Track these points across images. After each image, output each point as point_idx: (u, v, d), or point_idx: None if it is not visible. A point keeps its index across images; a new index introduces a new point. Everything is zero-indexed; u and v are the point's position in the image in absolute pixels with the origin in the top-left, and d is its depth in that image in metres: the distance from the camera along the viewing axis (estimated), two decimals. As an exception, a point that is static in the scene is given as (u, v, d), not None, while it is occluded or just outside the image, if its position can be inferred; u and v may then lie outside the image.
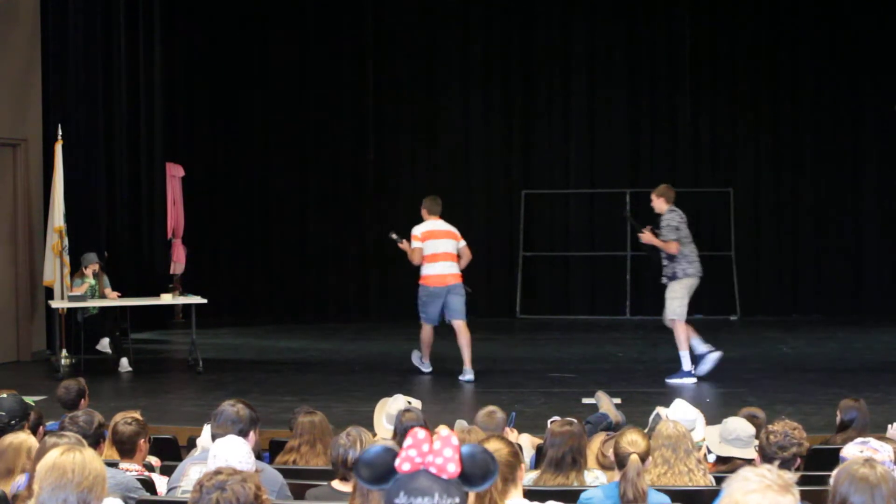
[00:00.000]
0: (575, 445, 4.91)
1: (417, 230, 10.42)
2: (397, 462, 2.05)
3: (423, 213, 10.55)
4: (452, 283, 10.42)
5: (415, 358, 10.82)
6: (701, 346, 10.08)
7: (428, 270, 10.38)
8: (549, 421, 5.34)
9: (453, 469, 2.03)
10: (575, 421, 5.15)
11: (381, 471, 2.05)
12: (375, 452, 2.07)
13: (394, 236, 10.78)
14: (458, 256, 10.49)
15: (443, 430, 5.22)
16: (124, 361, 11.07)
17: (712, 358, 10.03)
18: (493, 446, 3.81)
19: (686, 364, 9.98)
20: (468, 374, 10.22)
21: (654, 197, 10.32)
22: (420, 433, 2.05)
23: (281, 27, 15.81)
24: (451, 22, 15.86)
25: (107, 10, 12.85)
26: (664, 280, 10.21)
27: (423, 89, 15.90)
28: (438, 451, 2.04)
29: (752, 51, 15.43)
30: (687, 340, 10.02)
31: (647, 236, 10.14)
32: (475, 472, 2.06)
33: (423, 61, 15.86)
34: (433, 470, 2.03)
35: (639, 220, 10.79)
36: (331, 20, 15.78)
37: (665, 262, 10.15)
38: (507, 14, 15.79)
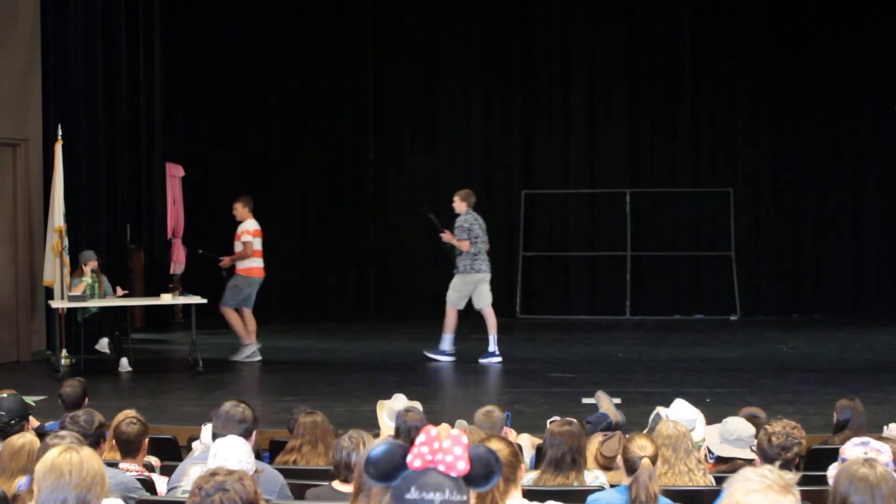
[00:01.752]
0: (574, 445, 4.91)
1: (251, 227, 11.51)
2: (409, 458, 2.06)
3: (244, 211, 11.56)
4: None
5: (242, 355, 11.51)
6: (449, 345, 11.44)
7: (254, 263, 11.59)
8: (548, 421, 5.33)
9: (463, 467, 2.04)
10: (574, 421, 5.15)
11: (390, 468, 2.06)
12: (383, 450, 2.07)
13: (200, 251, 12.27)
14: None
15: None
16: (124, 361, 11.06)
17: (443, 358, 11.41)
18: (494, 447, 3.81)
19: (447, 345, 11.43)
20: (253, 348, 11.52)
21: (456, 199, 11.48)
22: (433, 430, 2.07)
23: (281, 27, 15.81)
24: (452, 22, 15.86)
25: (107, 10, 12.84)
26: (455, 272, 11.42)
27: (423, 89, 15.90)
28: (448, 449, 2.05)
29: (752, 51, 15.44)
30: (453, 326, 11.40)
31: (446, 236, 11.32)
32: (479, 472, 2.07)
33: (423, 61, 15.86)
34: (442, 468, 2.04)
35: (440, 219, 11.61)
36: (331, 20, 15.78)
37: (458, 258, 11.35)
38: (507, 14, 15.80)
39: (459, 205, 11.40)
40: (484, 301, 11.39)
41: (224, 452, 4.19)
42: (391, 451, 2.07)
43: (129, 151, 13.60)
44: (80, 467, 3.34)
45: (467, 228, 11.22)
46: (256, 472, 4.33)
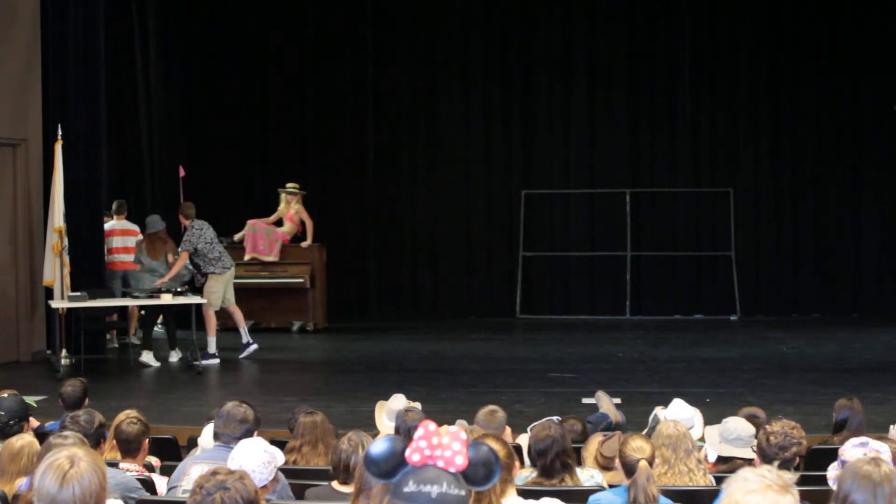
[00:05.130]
0: (560, 449, 4.83)
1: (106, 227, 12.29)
2: (407, 453, 2.07)
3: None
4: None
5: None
6: (214, 347, 11.56)
7: (112, 258, 12.35)
8: (528, 427, 5.26)
9: (461, 462, 2.05)
10: (554, 420, 5.09)
11: (390, 465, 2.07)
12: (384, 448, 2.08)
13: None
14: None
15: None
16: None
17: (214, 361, 11.48)
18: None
19: (212, 347, 11.53)
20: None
21: (181, 217, 11.98)
22: (431, 425, 2.07)
23: (281, 27, 15.81)
24: (451, 22, 15.86)
25: (107, 10, 12.84)
26: (202, 278, 11.80)
27: (423, 89, 15.90)
28: (447, 444, 2.05)
29: (752, 51, 15.43)
30: (214, 327, 11.63)
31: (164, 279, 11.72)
32: (479, 470, 2.07)
33: (423, 61, 15.86)
34: (441, 464, 2.04)
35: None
36: (331, 20, 15.78)
37: (200, 264, 11.71)
38: (507, 14, 15.79)
39: (184, 221, 11.87)
40: (230, 299, 11.80)
41: (240, 457, 4.19)
42: (392, 449, 2.08)
43: (129, 151, 13.61)
44: (80, 480, 3.22)
45: (197, 236, 11.55)
46: (275, 480, 4.33)
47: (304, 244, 13.84)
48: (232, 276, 11.84)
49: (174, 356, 11.67)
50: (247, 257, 13.71)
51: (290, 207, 13.91)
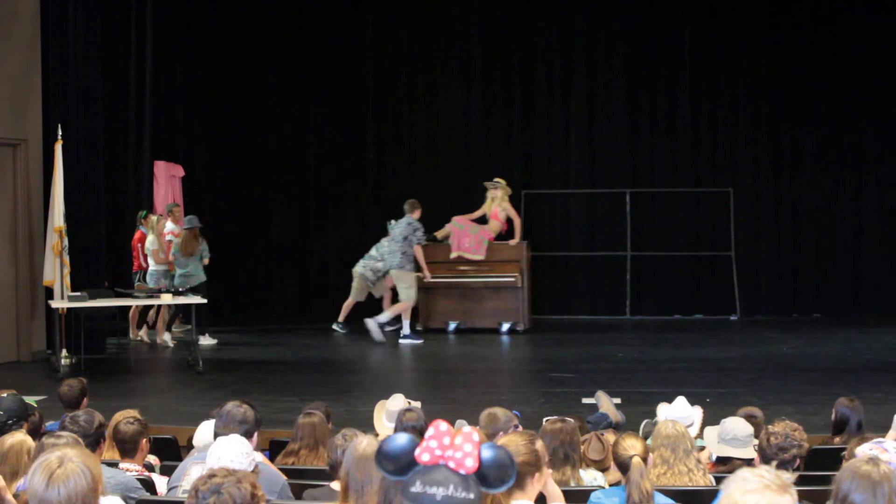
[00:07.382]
0: (566, 440, 4.87)
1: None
2: (417, 452, 2.04)
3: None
4: None
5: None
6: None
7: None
8: (544, 420, 5.32)
9: (471, 464, 2.02)
10: (568, 419, 5.12)
11: (403, 462, 2.04)
12: (400, 444, 2.05)
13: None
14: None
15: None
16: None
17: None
18: (513, 446, 3.79)
19: (404, 328, 12.80)
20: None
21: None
22: (442, 425, 2.05)
23: (281, 26, 15.81)
24: (451, 21, 15.87)
25: (107, 10, 12.85)
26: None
27: (423, 89, 15.90)
28: (459, 445, 2.03)
29: (752, 51, 15.43)
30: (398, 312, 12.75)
31: None
32: (492, 472, 2.03)
33: (423, 61, 15.87)
34: (452, 465, 2.02)
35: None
36: (331, 20, 15.79)
37: None
38: (507, 14, 15.80)
39: None
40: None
41: (218, 451, 4.20)
42: (406, 445, 2.06)
43: (128, 151, 13.59)
44: (65, 482, 3.22)
45: None
46: (255, 471, 4.33)
47: (513, 242, 13.62)
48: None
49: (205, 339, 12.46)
50: (452, 255, 13.54)
51: (496, 204, 13.67)
